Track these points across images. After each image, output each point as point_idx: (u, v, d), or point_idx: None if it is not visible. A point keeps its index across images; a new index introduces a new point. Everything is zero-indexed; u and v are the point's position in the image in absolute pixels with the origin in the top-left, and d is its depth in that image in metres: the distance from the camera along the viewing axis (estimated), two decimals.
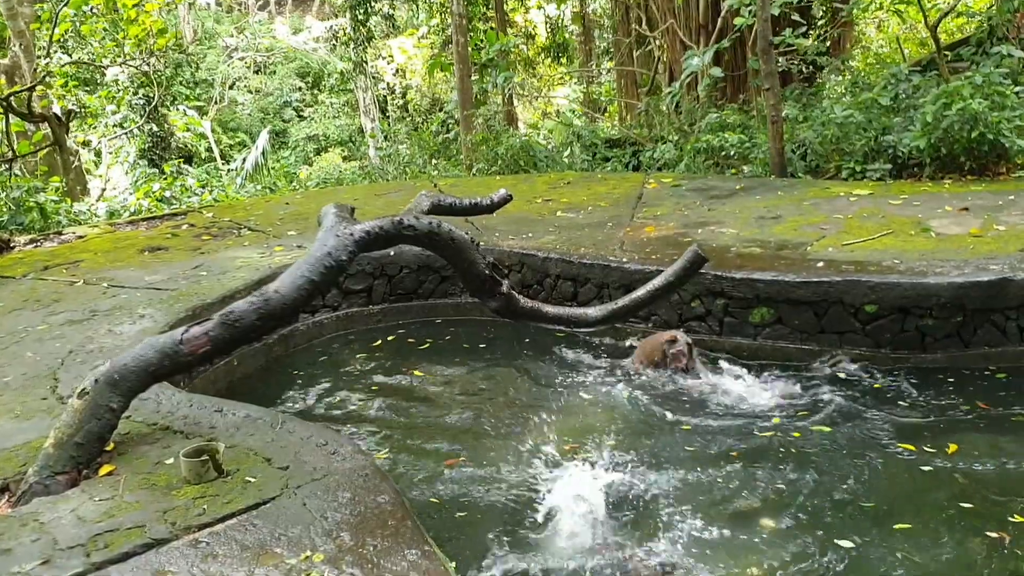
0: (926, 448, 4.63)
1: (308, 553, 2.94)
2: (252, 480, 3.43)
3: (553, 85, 23.95)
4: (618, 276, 6.44)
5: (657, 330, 6.32)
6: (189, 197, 13.58)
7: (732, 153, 10.84)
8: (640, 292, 5.30)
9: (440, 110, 21.82)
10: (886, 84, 9.68)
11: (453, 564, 3.18)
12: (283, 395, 5.96)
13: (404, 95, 27.34)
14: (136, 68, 16.08)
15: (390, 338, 6.97)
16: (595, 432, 5.06)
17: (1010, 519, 3.95)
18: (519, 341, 6.62)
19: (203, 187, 14.74)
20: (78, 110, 16.42)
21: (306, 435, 3.82)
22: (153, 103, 19.03)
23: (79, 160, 16.37)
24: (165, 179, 14.39)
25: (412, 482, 4.62)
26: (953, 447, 4.63)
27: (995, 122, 7.99)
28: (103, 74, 18.54)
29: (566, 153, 13.43)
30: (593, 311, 5.18)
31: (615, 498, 4.34)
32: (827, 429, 4.91)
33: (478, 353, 6.55)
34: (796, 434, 4.88)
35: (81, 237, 8.82)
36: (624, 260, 6.52)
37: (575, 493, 4.36)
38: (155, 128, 21.21)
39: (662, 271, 5.22)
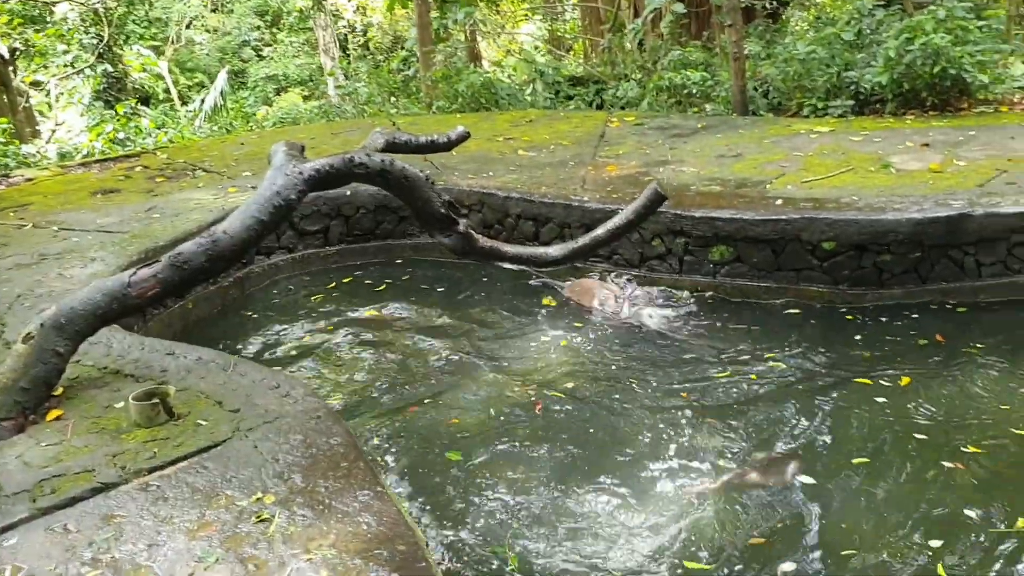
0: (882, 383, 4.68)
1: (259, 495, 2.91)
2: (203, 423, 3.39)
3: (517, 22, 23.57)
4: (580, 215, 6.39)
5: (618, 269, 6.32)
6: (144, 139, 13.25)
7: (695, 91, 10.76)
8: (600, 231, 5.26)
9: (402, 48, 21.39)
10: (849, 19, 9.61)
11: (406, 505, 3.17)
12: (238, 338, 5.89)
13: (365, 33, 26.80)
14: (85, 4, 15.57)
15: (347, 280, 6.89)
16: (552, 375, 5.05)
17: (963, 449, 4.02)
18: (478, 281, 6.58)
19: (158, 128, 14.40)
20: (23, 48, 15.91)
21: (258, 378, 3.77)
22: (105, 42, 18.47)
23: (28, 101, 15.91)
24: (118, 120, 14.02)
25: (367, 425, 4.60)
26: (906, 380, 4.69)
27: (957, 57, 7.97)
28: (51, 12, 17.95)
29: (528, 91, 13.24)
30: (553, 250, 5.13)
31: (572, 441, 4.35)
32: (783, 366, 4.95)
33: (436, 294, 6.50)
34: (753, 376, 4.91)
35: (30, 180, 8.58)
36: (586, 199, 6.47)
37: (533, 437, 4.38)
38: (109, 68, 20.63)
39: (623, 210, 5.18)
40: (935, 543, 3.40)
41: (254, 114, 18.84)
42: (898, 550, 3.39)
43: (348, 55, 25.81)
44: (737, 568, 3.37)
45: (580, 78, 14.04)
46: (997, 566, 3.26)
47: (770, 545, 3.48)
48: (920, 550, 3.38)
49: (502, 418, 4.61)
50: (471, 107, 12.31)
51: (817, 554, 3.42)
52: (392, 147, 4.86)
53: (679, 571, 3.37)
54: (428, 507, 3.84)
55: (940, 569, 3.24)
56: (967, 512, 3.59)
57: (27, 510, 2.85)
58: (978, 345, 5.01)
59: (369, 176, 4.09)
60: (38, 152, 12.11)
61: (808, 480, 3.89)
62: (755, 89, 10.01)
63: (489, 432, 4.47)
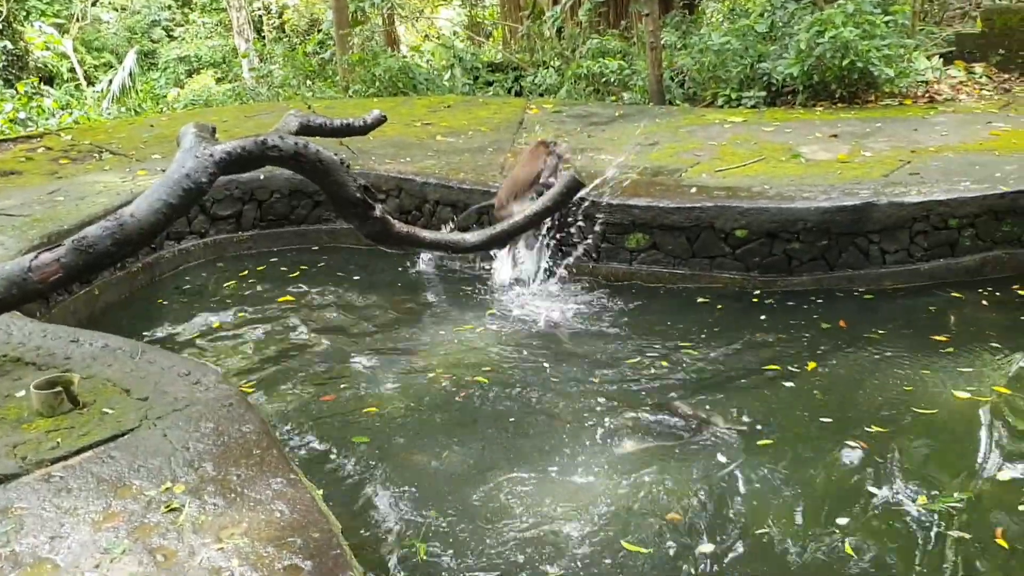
0: (790, 368, 4.80)
1: (169, 484, 2.84)
2: (109, 412, 3.29)
3: (435, 7, 23.41)
4: None
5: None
6: (47, 119, 12.78)
7: (612, 80, 10.86)
8: (518, 217, 5.27)
9: (318, 31, 21.05)
10: (763, 11, 9.82)
11: (321, 492, 3.14)
12: (147, 325, 5.74)
13: (280, 15, 26.30)
14: None
15: (260, 266, 6.77)
16: (468, 363, 5.06)
17: (867, 429, 4.16)
18: (395, 268, 6.53)
19: (63, 109, 13.90)
20: None
21: (168, 365, 3.68)
22: (4, 17, 17.73)
23: None
24: (19, 99, 13.49)
25: (281, 413, 4.54)
26: (812, 364, 4.82)
27: (865, 51, 8.21)
28: None
29: (447, 76, 13.19)
30: (471, 236, 5.12)
31: (488, 428, 4.37)
32: (694, 352, 5.04)
33: (353, 281, 6.43)
34: (664, 362, 4.99)
35: None
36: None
37: (450, 424, 4.38)
38: (9, 45, 19.82)
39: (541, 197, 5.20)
40: (842, 520, 3.50)
41: (164, 96, 18.34)
42: (807, 528, 3.49)
43: (263, 37, 25.30)
44: (656, 544, 3.42)
45: (499, 64, 14.05)
46: (901, 542, 3.37)
47: (686, 523, 3.55)
48: (827, 528, 3.48)
49: (417, 405, 4.59)
50: (389, 92, 12.20)
51: (731, 532, 3.49)
52: (306, 130, 4.78)
53: (594, 549, 3.41)
54: (341, 495, 3.81)
55: (847, 548, 3.34)
56: (872, 490, 3.71)
57: None
58: (879, 331, 5.18)
59: (283, 159, 4.01)
60: None
61: (712, 461, 3.97)
62: (671, 79, 10.15)
63: (404, 419, 4.45)
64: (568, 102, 10.24)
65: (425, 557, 3.40)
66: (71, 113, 13.67)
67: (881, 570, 3.24)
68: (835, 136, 7.21)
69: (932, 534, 3.40)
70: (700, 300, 5.75)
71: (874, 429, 4.15)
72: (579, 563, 3.35)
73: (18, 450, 3.04)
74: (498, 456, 4.10)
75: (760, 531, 3.48)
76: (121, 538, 2.59)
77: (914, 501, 3.60)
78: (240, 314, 5.87)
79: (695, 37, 10.64)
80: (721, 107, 9.14)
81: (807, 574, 3.25)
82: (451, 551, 3.43)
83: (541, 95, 11.87)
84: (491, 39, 19.06)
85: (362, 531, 3.57)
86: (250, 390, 4.75)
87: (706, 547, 3.40)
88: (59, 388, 3.30)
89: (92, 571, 2.45)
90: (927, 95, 8.77)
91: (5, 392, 3.49)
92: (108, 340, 3.97)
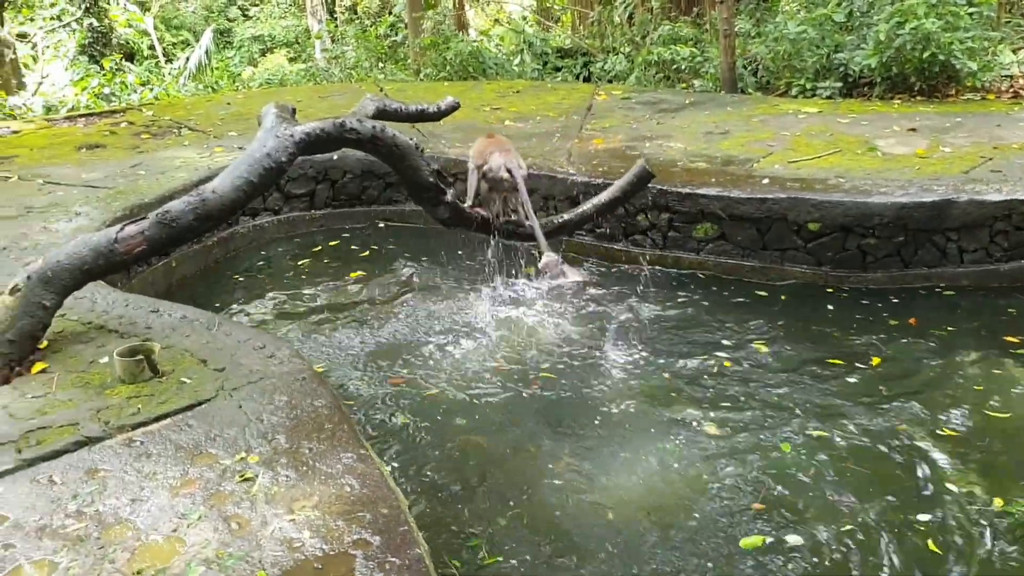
0: (857, 364, 4.75)
1: (243, 454, 2.93)
2: (187, 381, 3.40)
3: None
4: (564, 188, 6.40)
5: (601, 244, 6.35)
6: (129, 95, 13.11)
7: (683, 67, 10.76)
8: (587, 206, 5.30)
9: (389, 13, 21.18)
10: (841, 0, 9.60)
11: (388, 468, 3.20)
12: (221, 298, 5.89)
13: None
14: None
15: (332, 243, 6.89)
16: (528, 349, 5.08)
17: (936, 429, 4.11)
18: (463, 251, 6.58)
19: (143, 85, 14.23)
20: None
21: (243, 338, 3.78)
22: None
23: (15, 53, 15.67)
24: (104, 75, 13.85)
25: (350, 389, 4.63)
26: (877, 360, 4.78)
27: (947, 43, 8.00)
28: None
29: (516, 61, 13.18)
30: (538, 223, 5.16)
31: (548, 413, 4.40)
32: (760, 345, 5.00)
33: (420, 262, 6.50)
34: (729, 352, 4.96)
35: (16, 132, 8.50)
36: (571, 171, 6.48)
37: (519, 410, 4.42)
38: (95, 23, 20.33)
39: (608, 183, 5.20)
40: (923, 517, 3.50)
41: (239, 74, 18.65)
42: (889, 524, 3.47)
43: (335, 18, 25.53)
44: (745, 530, 3.46)
45: (568, 50, 13.99)
46: (983, 543, 3.34)
47: (769, 512, 3.57)
48: (909, 524, 3.46)
49: (479, 388, 4.63)
50: (459, 75, 12.25)
51: (816, 525, 3.49)
52: (382, 114, 4.87)
53: (662, 540, 3.43)
54: (408, 472, 3.88)
55: (932, 545, 3.33)
56: (951, 488, 3.68)
57: (12, 461, 2.86)
58: (951, 328, 5.10)
59: (360, 142, 4.09)
60: (24, 105, 11.97)
61: (785, 452, 3.97)
62: (744, 67, 10.02)
63: (466, 402, 4.50)
64: (637, 88, 10.18)
65: (486, 540, 3.45)
66: (151, 89, 14.00)
67: (968, 569, 3.22)
68: (913, 130, 7.06)
69: (1016, 535, 3.37)
70: (769, 293, 5.69)
71: (944, 430, 4.09)
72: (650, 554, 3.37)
73: (102, 414, 3.16)
74: (559, 443, 4.13)
75: (845, 527, 3.46)
76: (197, 504, 2.68)
77: (989, 505, 3.55)
78: (311, 290, 5.99)
79: (770, 25, 10.45)
80: (795, 97, 9.00)
81: (897, 571, 3.24)
82: (514, 536, 3.48)
83: (610, 81, 11.82)
84: (560, 24, 18.99)
85: (425, 509, 3.63)
86: (319, 364, 4.85)
87: (795, 539, 3.40)
88: (141, 356, 3.42)
89: (169, 535, 2.55)
90: (1011, 90, 8.52)
91: (90, 358, 3.63)
92: (187, 311, 4.09)
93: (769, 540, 3.40)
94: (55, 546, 2.49)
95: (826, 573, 3.24)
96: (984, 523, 3.45)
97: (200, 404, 3.24)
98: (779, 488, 3.72)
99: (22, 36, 18.16)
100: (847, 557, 3.31)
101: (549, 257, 5.80)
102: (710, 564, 3.29)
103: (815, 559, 3.30)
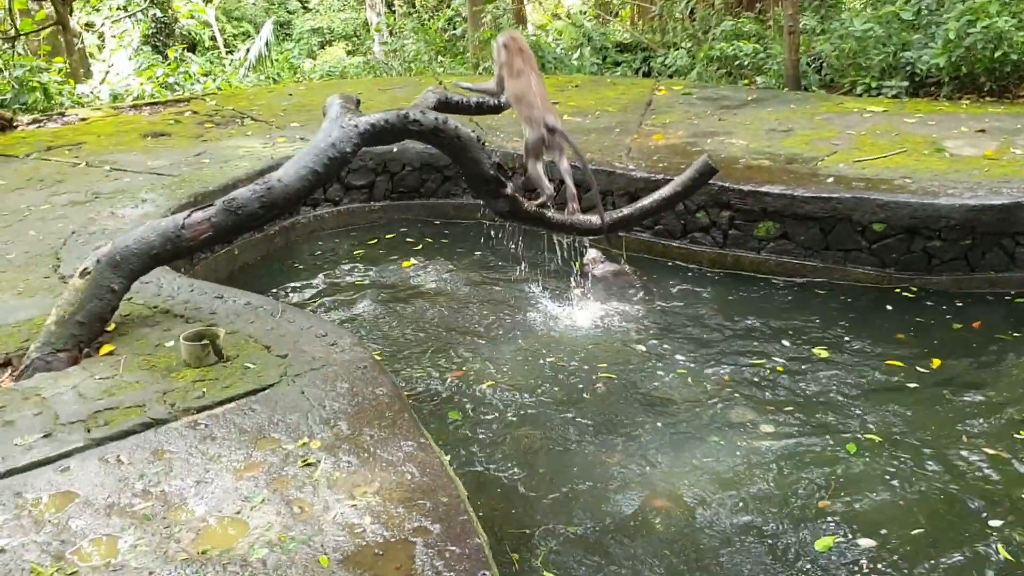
0: (918, 368, 4.68)
1: (305, 440, 2.96)
2: (251, 366, 3.44)
3: None
4: (624, 183, 6.36)
5: (659, 241, 6.30)
6: (192, 84, 13.33)
7: (746, 63, 10.62)
8: (647, 201, 5.23)
9: (448, 6, 21.26)
10: None
11: (448, 457, 3.22)
12: (282, 285, 5.97)
13: None
14: None
15: (390, 235, 6.94)
16: (580, 346, 5.07)
17: (1001, 433, 4.02)
18: (521, 245, 6.58)
19: (206, 75, 14.46)
20: None
21: (306, 325, 3.82)
22: None
23: (82, 42, 16.03)
24: (169, 65, 14.10)
25: (409, 378, 4.66)
26: (937, 362, 4.72)
27: (1020, 42, 7.80)
28: None
29: (575, 56, 13.14)
30: (597, 219, 5.12)
31: (601, 409, 4.38)
32: (824, 353, 4.92)
33: (477, 256, 6.52)
34: (788, 354, 4.91)
35: (84, 119, 8.71)
36: (630, 167, 6.44)
37: (573, 405, 4.41)
38: (159, 13, 20.72)
39: (668, 180, 5.14)
40: (994, 523, 3.45)
41: (300, 66, 18.86)
42: (960, 530, 3.44)
43: (393, 11, 25.69)
44: (811, 529, 3.44)
45: (628, 45, 13.89)
46: None
47: (834, 509, 3.55)
48: (981, 530, 3.42)
49: (532, 383, 4.64)
50: None
51: (888, 529, 3.45)
52: (444, 106, 4.88)
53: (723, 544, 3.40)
54: (470, 461, 3.90)
55: (1003, 551, 3.27)
56: (1020, 494, 3.61)
57: (82, 440, 2.93)
58: (1015, 334, 4.99)
59: (423, 134, 4.11)
60: (91, 93, 12.24)
61: (842, 454, 3.93)
62: (808, 64, 9.86)
63: (520, 396, 4.51)
64: (699, 84, 10.08)
65: (545, 535, 3.45)
66: (214, 80, 14.22)
67: None
68: (982, 131, 6.89)
69: None
70: (831, 294, 5.60)
71: (1010, 435, 4.00)
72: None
73: (167, 397, 3.22)
74: (611, 441, 4.11)
75: (915, 531, 3.42)
76: (260, 488, 2.72)
77: None
78: (368, 280, 6.04)
79: (835, 22, 10.27)
80: (860, 96, 8.84)
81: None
82: (573, 533, 3.48)
83: (670, 77, 11.72)
84: (620, 18, 18.89)
85: (483, 500, 3.64)
86: (378, 354, 4.88)
87: (867, 542, 3.36)
88: (206, 341, 3.47)
89: (233, 517, 2.58)
90: None
91: (156, 341, 3.70)
92: (250, 298, 4.15)
93: (840, 541, 3.37)
94: (122, 524, 2.54)
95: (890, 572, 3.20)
96: None
97: (264, 389, 3.28)
98: (846, 489, 3.67)
99: (89, 26, 18.55)
100: (915, 561, 3.26)
101: (594, 254, 5.81)
102: (780, 567, 3.27)
103: (880, 564, 3.25)
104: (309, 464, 2.83)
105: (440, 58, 14.71)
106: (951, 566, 3.23)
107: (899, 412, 4.27)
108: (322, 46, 26.42)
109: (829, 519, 3.50)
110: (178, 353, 3.50)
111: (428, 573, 2.33)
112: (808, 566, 3.25)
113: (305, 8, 28.46)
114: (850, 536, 3.40)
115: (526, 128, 4.70)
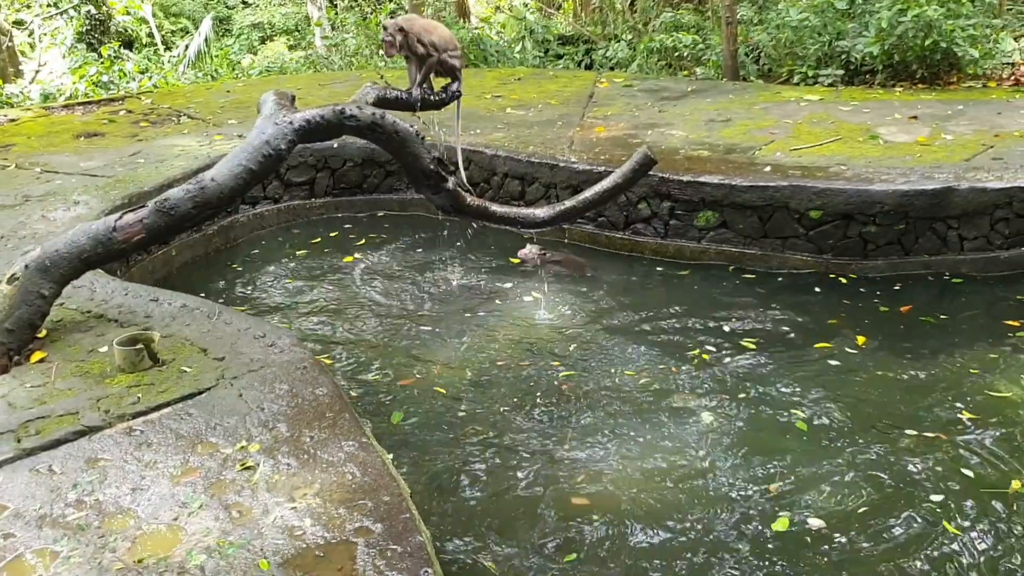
0: (847, 350, 4.79)
1: (244, 443, 2.93)
2: (188, 370, 3.39)
3: None
4: (566, 176, 6.38)
5: (604, 232, 6.33)
6: (127, 83, 13.05)
7: (685, 54, 10.72)
8: (588, 193, 5.25)
9: (390, 1, 21.12)
10: None
11: (391, 456, 3.20)
12: (222, 287, 5.88)
13: None
14: None
15: (332, 232, 6.87)
16: (524, 338, 5.09)
17: (936, 410, 4.14)
18: (462, 239, 6.56)
19: (142, 73, 14.16)
20: None
21: (244, 327, 3.77)
22: None
23: (11, 41, 15.63)
24: (102, 63, 13.78)
25: (350, 377, 4.62)
26: (862, 339, 4.87)
27: (949, 30, 7.96)
28: None
29: (517, 49, 13.13)
30: (541, 211, 5.12)
31: (545, 398, 4.40)
32: (762, 340, 4.98)
33: (420, 251, 6.49)
34: (717, 338, 4.95)
35: (13, 120, 8.47)
36: (573, 160, 6.45)
37: (518, 396, 4.41)
38: (93, 10, 20.25)
39: (610, 172, 5.16)
40: (936, 497, 3.55)
41: (239, 62, 18.58)
42: (902, 505, 3.53)
43: (335, 5, 25.43)
44: (764, 514, 3.51)
45: (570, 37, 13.93)
46: (1003, 523, 3.39)
47: (782, 491, 3.63)
48: (922, 508, 3.52)
49: (481, 375, 4.64)
50: None
51: (829, 508, 3.53)
52: (383, 102, 4.81)
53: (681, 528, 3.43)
54: (409, 461, 3.87)
55: (948, 526, 3.38)
56: (966, 473, 3.70)
57: (12, 450, 2.86)
58: (942, 316, 5.14)
59: (360, 129, 4.06)
60: (21, 93, 11.94)
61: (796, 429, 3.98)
62: (746, 55, 9.98)
63: (466, 390, 4.51)
64: (639, 76, 10.13)
65: (489, 525, 3.45)
66: (150, 77, 13.94)
67: (978, 549, 3.27)
68: (915, 118, 7.03)
69: None
70: (769, 280, 5.68)
71: (936, 410, 4.13)
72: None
73: (101, 404, 3.16)
74: (556, 433, 4.13)
75: (861, 509, 3.50)
76: (198, 493, 2.68)
77: (1005, 487, 3.57)
78: (311, 279, 5.97)
79: (772, 12, 10.40)
80: (797, 85, 8.97)
81: (909, 552, 3.28)
82: (516, 523, 3.48)
83: (612, 69, 11.77)
84: (562, 11, 18.93)
85: (427, 497, 3.62)
86: (320, 353, 4.84)
87: (816, 522, 3.44)
88: (140, 345, 3.41)
89: (170, 523, 2.54)
90: (1013, 78, 8.49)
91: (89, 347, 3.62)
92: (187, 300, 4.08)
93: (793, 522, 3.44)
94: (55, 535, 2.49)
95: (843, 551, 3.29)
96: (1000, 505, 3.48)
97: (200, 393, 3.23)
98: (792, 472, 3.74)
99: (19, 24, 18.09)
100: (864, 537, 3.35)
101: (531, 247, 5.88)
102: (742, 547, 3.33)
103: (834, 542, 3.33)
104: (248, 468, 2.80)
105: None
106: (900, 541, 3.32)
107: (833, 395, 4.35)
108: (263, 41, 26.02)
109: (780, 502, 3.56)
110: (112, 358, 3.43)
111: (370, 573, 2.32)
112: (770, 545, 3.32)
113: (245, 3, 28.02)
114: (802, 517, 3.46)
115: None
